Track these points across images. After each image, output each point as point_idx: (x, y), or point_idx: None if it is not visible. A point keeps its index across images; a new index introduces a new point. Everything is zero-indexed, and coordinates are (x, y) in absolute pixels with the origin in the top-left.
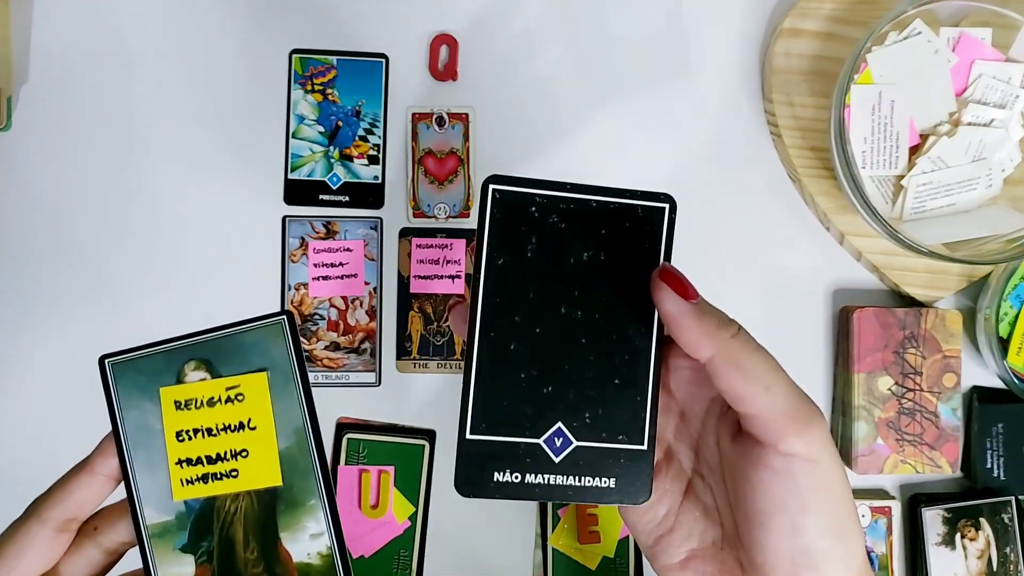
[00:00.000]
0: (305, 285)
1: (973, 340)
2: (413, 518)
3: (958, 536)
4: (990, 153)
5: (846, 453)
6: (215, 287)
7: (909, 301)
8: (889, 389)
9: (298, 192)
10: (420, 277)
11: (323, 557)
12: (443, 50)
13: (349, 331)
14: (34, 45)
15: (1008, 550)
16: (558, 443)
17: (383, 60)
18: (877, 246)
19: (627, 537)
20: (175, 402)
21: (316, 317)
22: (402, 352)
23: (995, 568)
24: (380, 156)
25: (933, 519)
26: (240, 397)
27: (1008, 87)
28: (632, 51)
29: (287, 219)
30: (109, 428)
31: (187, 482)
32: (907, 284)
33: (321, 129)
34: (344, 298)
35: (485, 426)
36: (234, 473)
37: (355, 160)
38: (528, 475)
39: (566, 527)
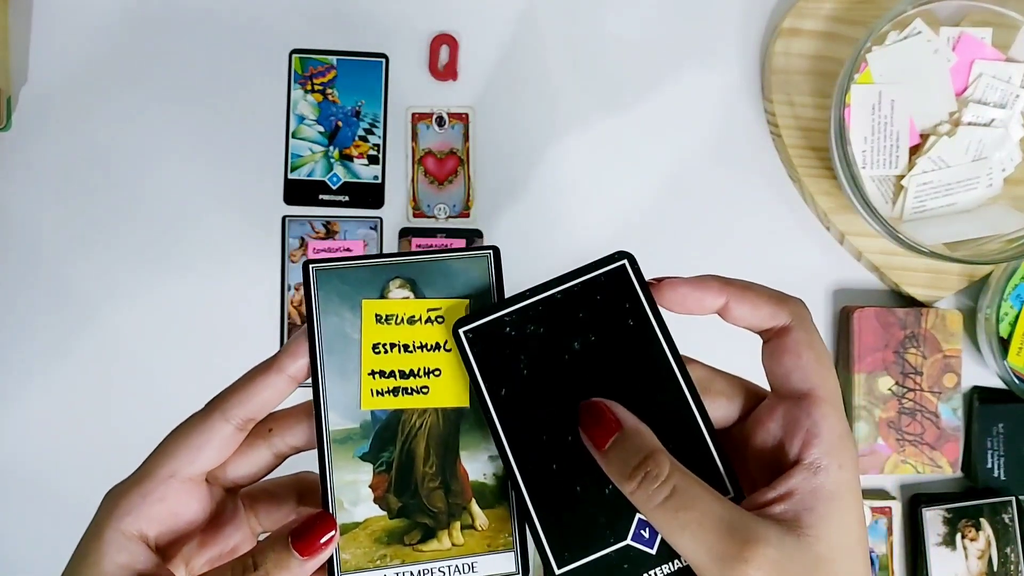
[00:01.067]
0: None
1: (974, 340)
2: None
3: (959, 536)
4: (990, 153)
5: None
6: (215, 286)
7: (909, 301)
8: (889, 389)
9: (298, 192)
10: None
11: (498, 479)
12: (443, 50)
13: None
14: (34, 46)
15: (1009, 550)
16: (646, 534)
17: (383, 60)
18: (877, 246)
19: None
20: (376, 315)
21: None
22: None
23: (996, 568)
24: (380, 156)
25: (933, 519)
26: (440, 319)
27: (1008, 87)
28: (632, 51)
29: (287, 219)
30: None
31: (377, 393)
32: (907, 284)
33: (321, 129)
34: None
35: (568, 555)
36: (424, 390)
37: (355, 160)
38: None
39: None
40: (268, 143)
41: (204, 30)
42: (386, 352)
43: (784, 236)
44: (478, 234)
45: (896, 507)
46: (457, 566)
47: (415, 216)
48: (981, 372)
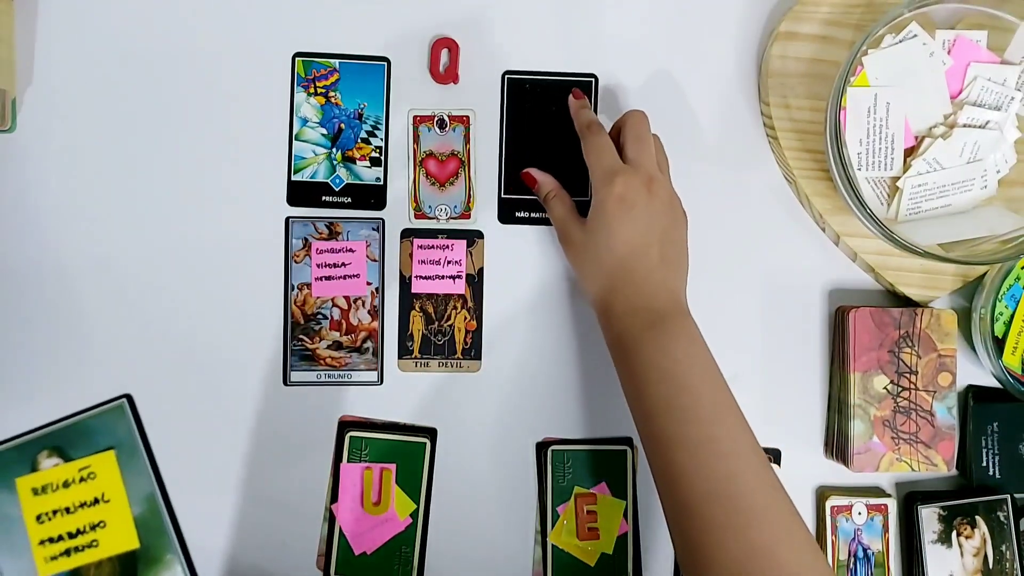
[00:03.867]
0: (308, 285)
1: (968, 340)
2: (415, 515)
3: (954, 534)
4: (985, 154)
5: (842, 451)
6: (219, 287)
7: (905, 301)
8: (885, 388)
9: (301, 193)
10: (421, 277)
11: None
12: (444, 53)
13: (351, 331)
14: (38, 47)
15: (1004, 548)
16: None
17: (385, 63)
18: (873, 247)
19: (625, 534)
20: (32, 489)
21: (319, 317)
22: (404, 351)
23: (991, 566)
24: (382, 158)
25: (929, 517)
26: (92, 475)
27: (1003, 89)
28: (630, 55)
29: (290, 220)
30: None
31: (51, 559)
32: (903, 284)
33: (324, 131)
34: (347, 298)
35: (513, 189)
36: (94, 543)
37: (357, 162)
38: (533, 214)
39: (565, 524)
40: (271, 145)
41: (208, 32)
42: (50, 519)
43: (780, 237)
44: (479, 235)
45: (892, 505)
46: None
47: (416, 217)
48: (976, 371)
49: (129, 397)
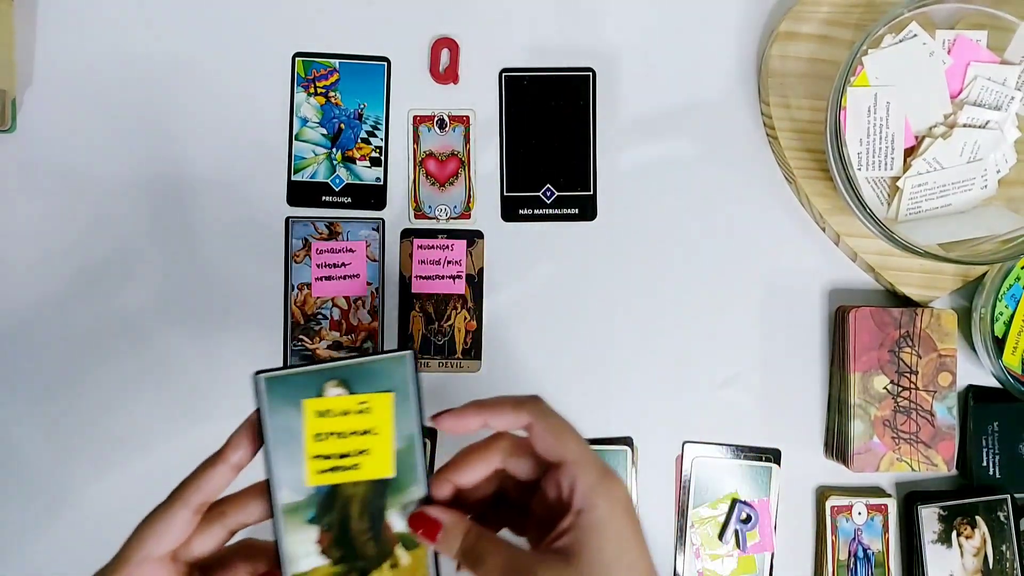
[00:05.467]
0: (308, 285)
1: (968, 339)
2: None
3: (954, 534)
4: (985, 154)
5: (842, 451)
6: (219, 288)
7: (905, 301)
8: (885, 388)
9: (301, 193)
10: (421, 277)
11: None
12: (444, 53)
13: (352, 330)
14: (38, 48)
15: (1004, 547)
16: (547, 195)
17: (385, 63)
18: (873, 246)
19: None
20: (317, 411)
21: (319, 317)
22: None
23: (991, 566)
24: (382, 158)
25: (929, 517)
26: (368, 410)
27: (1003, 89)
28: (630, 55)
29: (290, 220)
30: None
31: (320, 472)
32: (903, 284)
33: (324, 131)
34: (347, 298)
35: (514, 186)
36: (356, 467)
37: (357, 162)
38: (536, 211)
39: None
40: (271, 145)
41: (208, 33)
42: (325, 439)
43: (780, 237)
44: (479, 235)
45: (892, 505)
46: None
47: (416, 217)
48: (976, 371)
49: (414, 352)
